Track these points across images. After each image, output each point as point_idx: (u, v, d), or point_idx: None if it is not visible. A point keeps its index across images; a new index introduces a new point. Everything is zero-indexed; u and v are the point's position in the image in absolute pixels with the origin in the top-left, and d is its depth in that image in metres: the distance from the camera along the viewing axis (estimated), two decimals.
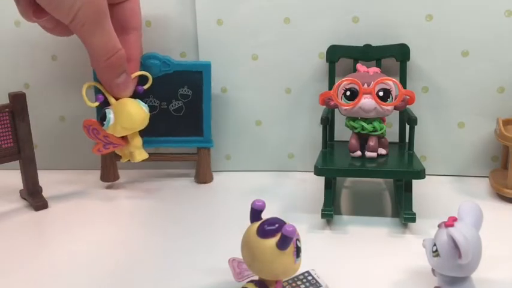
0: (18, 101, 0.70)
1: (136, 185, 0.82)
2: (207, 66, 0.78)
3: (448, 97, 0.78)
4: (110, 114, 0.69)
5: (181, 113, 0.80)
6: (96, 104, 0.70)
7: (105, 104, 0.71)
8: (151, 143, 0.80)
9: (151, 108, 0.79)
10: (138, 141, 0.73)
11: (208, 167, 0.83)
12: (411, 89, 0.74)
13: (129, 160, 0.75)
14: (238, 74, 0.82)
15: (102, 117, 0.69)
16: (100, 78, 0.68)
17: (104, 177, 0.82)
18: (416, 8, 0.75)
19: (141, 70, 0.74)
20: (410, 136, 0.69)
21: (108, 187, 0.81)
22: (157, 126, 0.79)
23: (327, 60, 0.77)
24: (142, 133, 0.75)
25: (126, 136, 0.72)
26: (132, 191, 0.80)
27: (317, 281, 0.51)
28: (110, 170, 0.81)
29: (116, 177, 0.82)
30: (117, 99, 0.70)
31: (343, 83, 0.67)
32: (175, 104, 0.80)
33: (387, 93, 0.66)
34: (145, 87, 0.74)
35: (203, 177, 0.83)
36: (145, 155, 0.74)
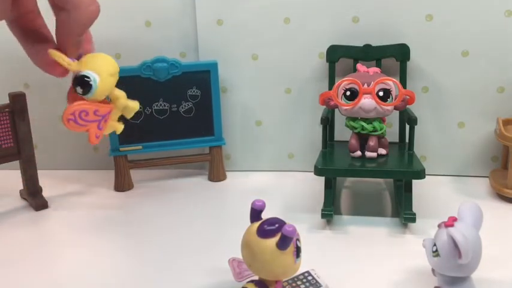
0: (18, 101, 0.70)
1: (135, 184, 0.82)
2: (214, 65, 0.79)
3: (448, 97, 0.78)
4: (89, 74, 0.48)
5: (191, 114, 0.80)
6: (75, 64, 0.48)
7: None
8: (164, 147, 0.80)
9: (162, 112, 0.79)
10: (120, 91, 0.54)
11: (222, 165, 0.83)
12: (411, 89, 0.74)
13: (124, 122, 0.52)
14: (238, 74, 0.82)
15: (82, 86, 0.47)
16: (72, 31, 0.47)
17: (119, 187, 0.80)
18: (416, 8, 0.75)
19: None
20: (410, 136, 0.69)
21: (108, 187, 0.81)
22: (169, 130, 0.80)
23: (327, 60, 0.77)
24: (154, 137, 0.74)
25: (105, 100, 0.53)
26: (131, 190, 0.80)
27: (317, 281, 0.51)
28: (124, 179, 0.80)
29: (131, 186, 0.81)
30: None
31: (343, 83, 0.67)
32: (185, 106, 0.80)
33: (387, 93, 0.66)
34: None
35: (217, 175, 0.83)
36: (136, 101, 0.55)
